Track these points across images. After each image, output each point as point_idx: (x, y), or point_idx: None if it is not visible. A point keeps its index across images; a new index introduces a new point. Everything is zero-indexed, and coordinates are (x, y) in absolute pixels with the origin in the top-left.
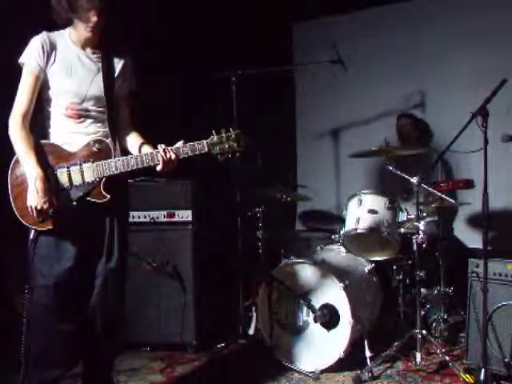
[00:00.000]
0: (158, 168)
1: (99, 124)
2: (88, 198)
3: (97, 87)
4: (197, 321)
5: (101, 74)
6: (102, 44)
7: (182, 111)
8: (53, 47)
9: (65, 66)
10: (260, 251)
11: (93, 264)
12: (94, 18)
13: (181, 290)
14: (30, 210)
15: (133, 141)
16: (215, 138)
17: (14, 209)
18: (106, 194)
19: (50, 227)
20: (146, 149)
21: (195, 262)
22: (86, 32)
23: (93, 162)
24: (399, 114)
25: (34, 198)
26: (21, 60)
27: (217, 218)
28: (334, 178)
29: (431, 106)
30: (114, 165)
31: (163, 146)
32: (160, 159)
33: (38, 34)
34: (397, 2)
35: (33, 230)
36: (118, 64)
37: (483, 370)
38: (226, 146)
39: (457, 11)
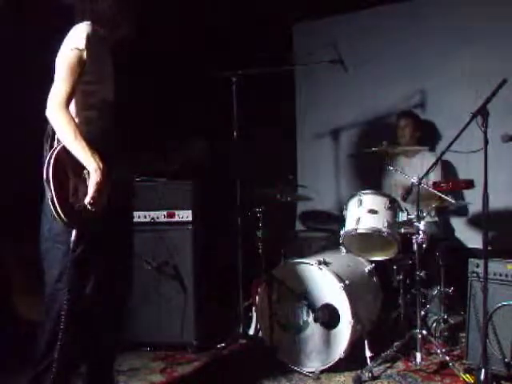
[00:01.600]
0: None
1: (116, 123)
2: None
3: (115, 86)
4: (197, 321)
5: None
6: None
7: (182, 111)
8: (97, 37)
9: (102, 61)
10: (260, 251)
11: (113, 261)
12: (128, 29)
13: (181, 289)
14: (97, 194)
15: None
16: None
17: (58, 207)
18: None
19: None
20: None
21: (195, 262)
22: (113, 36)
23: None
24: (400, 113)
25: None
26: (75, 45)
27: (217, 218)
28: (334, 177)
29: (431, 105)
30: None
31: None
32: None
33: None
34: (397, 2)
35: (74, 231)
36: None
37: (483, 370)
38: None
39: (457, 11)
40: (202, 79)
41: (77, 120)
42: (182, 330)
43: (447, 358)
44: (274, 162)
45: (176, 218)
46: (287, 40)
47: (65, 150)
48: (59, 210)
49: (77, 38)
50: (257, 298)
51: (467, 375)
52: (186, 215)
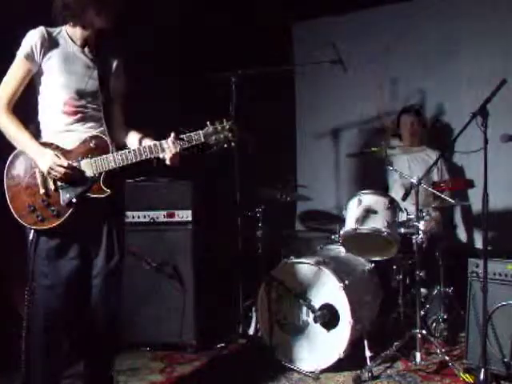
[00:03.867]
0: (167, 161)
1: (95, 122)
2: (88, 194)
3: (93, 84)
4: (196, 321)
5: (96, 71)
6: (98, 43)
7: (181, 111)
8: (51, 42)
9: (63, 62)
10: (260, 251)
11: (91, 263)
12: (101, 23)
13: (180, 289)
14: (46, 174)
15: (132, 138)
16: (210, 128)
17: (12, 210)
18: (106, 189)
19: (50, 226)
20: (146, 142)
21: (195, 262)
22: (86, 31)
23: (91, 157)
24: (402, 110)
25: (47, 160)
26: (18, 52)
27: (217, 218)
28: (334, 177)
29: (431, 106)
30: (113, 159)
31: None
32: (158, 151)
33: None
34: (397, 2)
35: (32, 231)
36: (112, 63)
37: (483, 369)
38: (222, 136)
39: (457, 12)
40: (201, 79)
41: (45, 119)
42: (182, 329)
43: (447, 357)
44: (273, 161)
45: (176, 218)
46: (287, 40)
47: (19, 153)
48: (14, 213)
49: (22, 45)
50: (256, 298)
51: (467, 375)
52: (185, 215)
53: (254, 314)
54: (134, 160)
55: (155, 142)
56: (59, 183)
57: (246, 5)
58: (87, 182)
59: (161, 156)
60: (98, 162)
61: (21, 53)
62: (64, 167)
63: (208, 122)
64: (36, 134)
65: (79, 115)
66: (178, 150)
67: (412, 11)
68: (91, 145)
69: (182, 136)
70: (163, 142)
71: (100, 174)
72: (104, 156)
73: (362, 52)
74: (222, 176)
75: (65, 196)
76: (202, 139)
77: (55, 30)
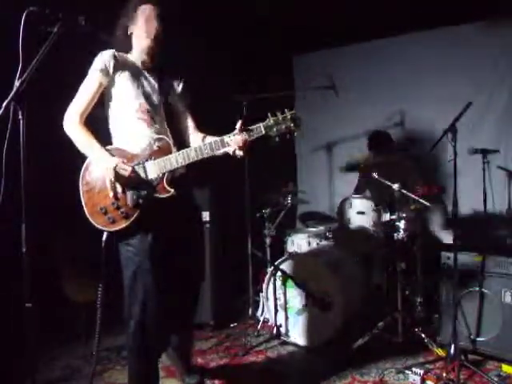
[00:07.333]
0: (236, 153)
1: (161, 126)
2: (154, 195)
3: (157, 98)
4: (213, 304)
5: (157, 87)
6: (154, 66)
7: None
8: (121, 61)
9: (132, 78)
10: (266, 246)
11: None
12: (155, 28)
13: None
14: (114, 179)
15: (195, 137)
16: (271, 120)
17: (86, 211)
18: (169, 189)
19: (119, 228)
20: (209, 139)
21: (212, 255)
22: (147, 42)
23: (154, 159)
24: (370, 148)
25: (113, 166)
26: (93, 67)
27: (230, 218)
28: (328, 185)
29: (409, 123)
30: (175, 159)
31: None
32: (219, 147)
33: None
34: (381, 38)
35: (105, 232)
36: (171, 83)
37: (453, 345)
38: (283, 127)
39: (430, 48)
40: (218, 101)
41: (116, 126)
42: (201, 312)
43: (423, 335)
44: (277, 171)
45: None
46: (289, 70)
47: (91, 161)
48: (86, 213)
49: (95, 62)
50: (264, 285)
51: (439, 349)
52: (204, 216)
53: (261, 299)
54: (195, 158)
55: (216, 138)
56: (126, 186)
57: (256, 44)
58: (152, 184)
59: (222, 151)
60: (160, 163)
61: (94, 68)
62: (128, 171)
63: (269, 114)
64: (107, 139)
65: (148, 121)
66: (245, 138)
67: (396, 47)
68: (155, 147)
69: (243, 129)
70: (224, 137)
71: (163, 174)
72: (166, 157)
73: (351, 79)
74: (233, 183)
75: (132, 198)
76: (263, 131)
77: (121, 54)
